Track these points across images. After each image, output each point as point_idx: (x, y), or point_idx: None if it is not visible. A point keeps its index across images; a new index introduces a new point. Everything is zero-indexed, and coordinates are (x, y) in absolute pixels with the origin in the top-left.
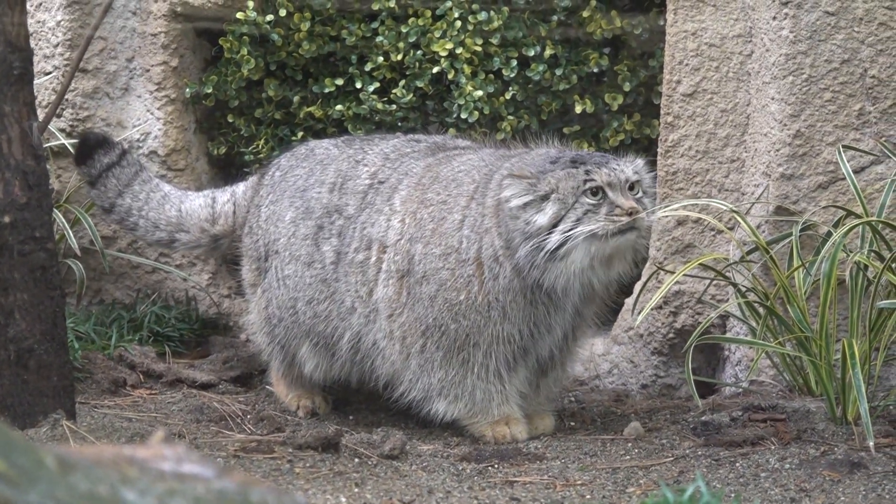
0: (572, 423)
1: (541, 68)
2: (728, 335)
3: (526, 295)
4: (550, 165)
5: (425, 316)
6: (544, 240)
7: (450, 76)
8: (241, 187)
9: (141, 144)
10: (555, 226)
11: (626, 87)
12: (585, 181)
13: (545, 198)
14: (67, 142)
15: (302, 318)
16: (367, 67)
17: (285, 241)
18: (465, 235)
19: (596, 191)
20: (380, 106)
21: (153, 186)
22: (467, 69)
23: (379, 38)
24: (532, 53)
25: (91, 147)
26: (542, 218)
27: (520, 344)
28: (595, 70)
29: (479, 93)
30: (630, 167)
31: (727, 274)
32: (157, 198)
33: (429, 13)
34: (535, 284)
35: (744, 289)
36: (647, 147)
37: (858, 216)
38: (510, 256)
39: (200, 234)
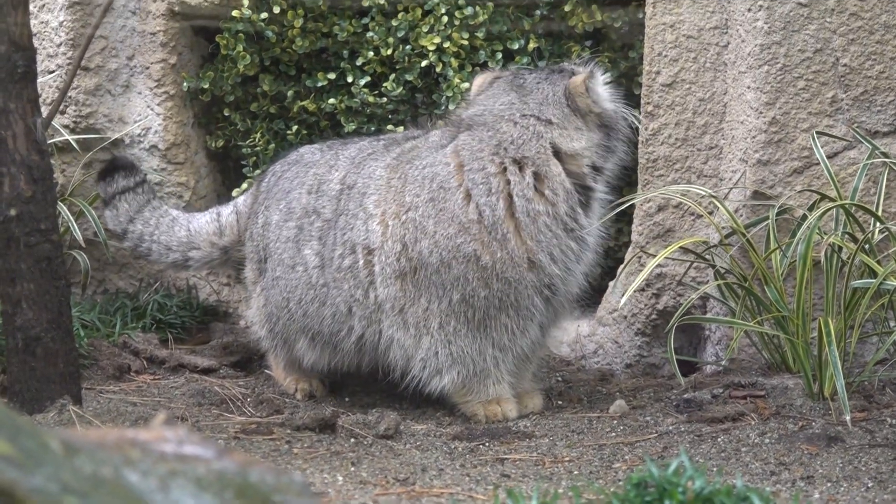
0: (560, 402)
1: (525, 61)
2: (708, 315)
3: (566, 228)
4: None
5: (450, 295)
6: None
7: (438, 69)
8: (241, 198)
9: (142, 139)
10: None
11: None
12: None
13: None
14: (72, 137)
15: (295, 317)
16: (359, 62)
17: (273, 245)
18: (484, 203)
19: None
20: (371, 99)
21: (163, 212)
22: (454, 62)
23: (369, 34)
24: (516, 46)
25: (115, 167)
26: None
27: (549, 284)
28: None
29: (467, 84)
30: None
31: (707, 257)
32: (167, 222)
33: (417, 9)
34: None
35: (723, 271)
36: None
37: (832, 199)
38: (569, 199)
39: (211, 249)
